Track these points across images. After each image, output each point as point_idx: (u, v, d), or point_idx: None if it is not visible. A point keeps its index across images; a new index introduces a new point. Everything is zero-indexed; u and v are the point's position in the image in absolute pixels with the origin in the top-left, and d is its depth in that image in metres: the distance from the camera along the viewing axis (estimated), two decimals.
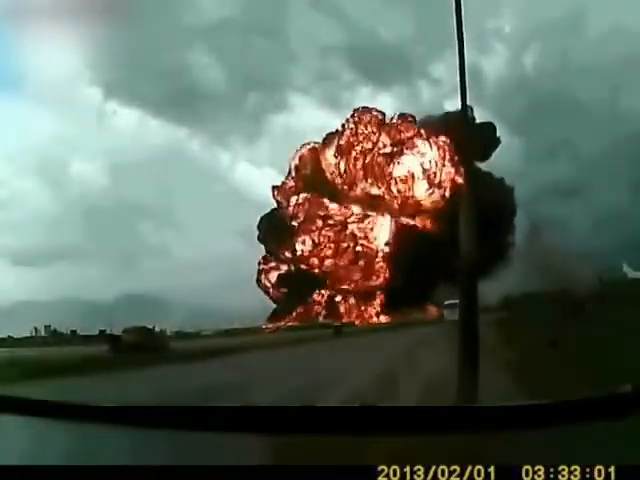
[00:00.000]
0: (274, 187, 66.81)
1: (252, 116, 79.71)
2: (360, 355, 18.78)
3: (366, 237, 63.58)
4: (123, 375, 14.81)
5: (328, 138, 66.16)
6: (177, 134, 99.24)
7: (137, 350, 21.34)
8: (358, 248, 62.83)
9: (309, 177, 65.09)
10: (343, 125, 65.37)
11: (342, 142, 64.98)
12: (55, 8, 33.43)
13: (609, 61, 60.24)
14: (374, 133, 64.24)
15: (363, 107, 65.52)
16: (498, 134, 60.59)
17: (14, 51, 64.01)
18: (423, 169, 61.84)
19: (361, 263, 62.46)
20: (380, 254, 62.69)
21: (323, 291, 62.90)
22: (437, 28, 46.98)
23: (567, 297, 23.26)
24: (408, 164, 62.50)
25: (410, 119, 64.17)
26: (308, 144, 67.20)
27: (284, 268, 64.39)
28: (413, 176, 62.13)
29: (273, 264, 64.87)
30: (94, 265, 76.90)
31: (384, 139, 64.01)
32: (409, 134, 63.21)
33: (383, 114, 65.04)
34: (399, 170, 62.65)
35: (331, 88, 76.66)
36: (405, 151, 62.88)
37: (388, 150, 63.58)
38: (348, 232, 63.48)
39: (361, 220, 64.16)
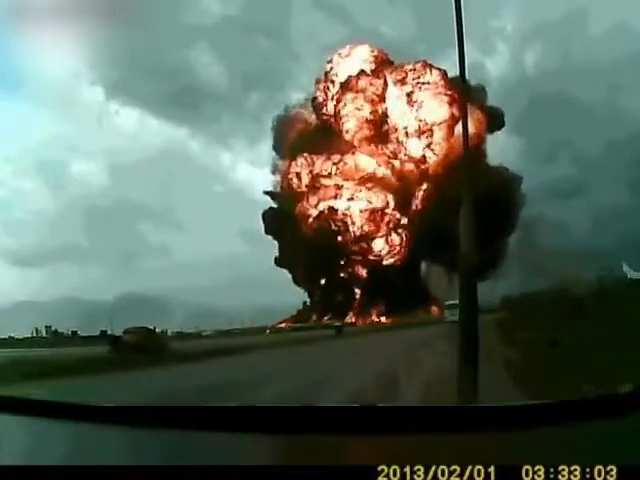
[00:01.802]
0: (266, 192, 64.26)
1: (253, 116, 79.83)
2: (361, 355, 18.78)
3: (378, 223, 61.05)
4: (124, 375, 14.81)
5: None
6: (178, 134, 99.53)
7: (138, 351, 21.33)
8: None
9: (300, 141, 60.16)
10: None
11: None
12: (55, 8, 33.43)
13: (609, 61, 60.35)
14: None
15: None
16: (499, 133, 60.31)
17: (14, 51, 63.99)
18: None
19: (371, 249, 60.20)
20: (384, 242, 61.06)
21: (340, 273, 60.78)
22: (439, 28, 46.96)
23: (567, 297, 23.18)
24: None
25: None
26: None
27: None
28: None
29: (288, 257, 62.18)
30: (94, 265, 77.30)
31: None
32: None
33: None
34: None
35: None
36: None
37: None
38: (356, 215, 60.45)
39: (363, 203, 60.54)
